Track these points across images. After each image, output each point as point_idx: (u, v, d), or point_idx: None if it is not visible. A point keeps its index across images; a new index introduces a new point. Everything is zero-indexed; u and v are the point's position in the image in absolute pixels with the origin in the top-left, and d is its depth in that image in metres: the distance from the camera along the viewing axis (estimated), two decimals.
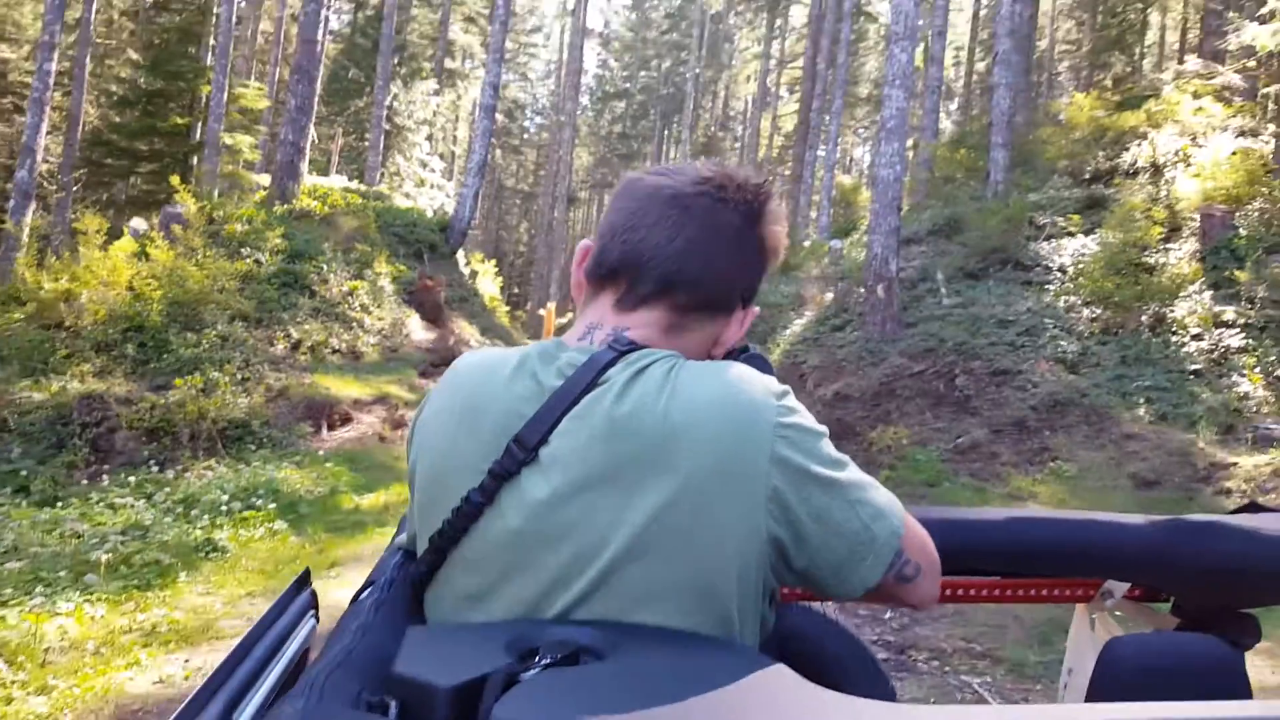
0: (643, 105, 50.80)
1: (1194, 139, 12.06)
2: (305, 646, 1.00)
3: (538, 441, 0.85)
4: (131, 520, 5.24)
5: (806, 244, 19.91)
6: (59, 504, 5.80)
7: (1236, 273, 9.01)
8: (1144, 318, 9.13)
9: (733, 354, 1.05)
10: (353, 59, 28.55)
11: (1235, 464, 6.66)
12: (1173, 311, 9.03)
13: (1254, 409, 7.58)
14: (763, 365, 1.03)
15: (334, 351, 10.40)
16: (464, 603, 0.88)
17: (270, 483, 6.26)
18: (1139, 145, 12.73)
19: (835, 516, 0.86)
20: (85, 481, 6.44)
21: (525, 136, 57.58)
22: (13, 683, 3.16)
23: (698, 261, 0.95)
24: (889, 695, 1.78)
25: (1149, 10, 22.03)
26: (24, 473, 6.38)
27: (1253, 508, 1.40)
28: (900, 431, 8.11)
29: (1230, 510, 1.39)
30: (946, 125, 32.57)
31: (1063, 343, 9.08)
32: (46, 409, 7.21)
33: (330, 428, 8.36)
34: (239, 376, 8.39)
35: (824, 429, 0.90)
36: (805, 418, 0.89)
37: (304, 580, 1.09)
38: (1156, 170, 12.17)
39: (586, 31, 46.80)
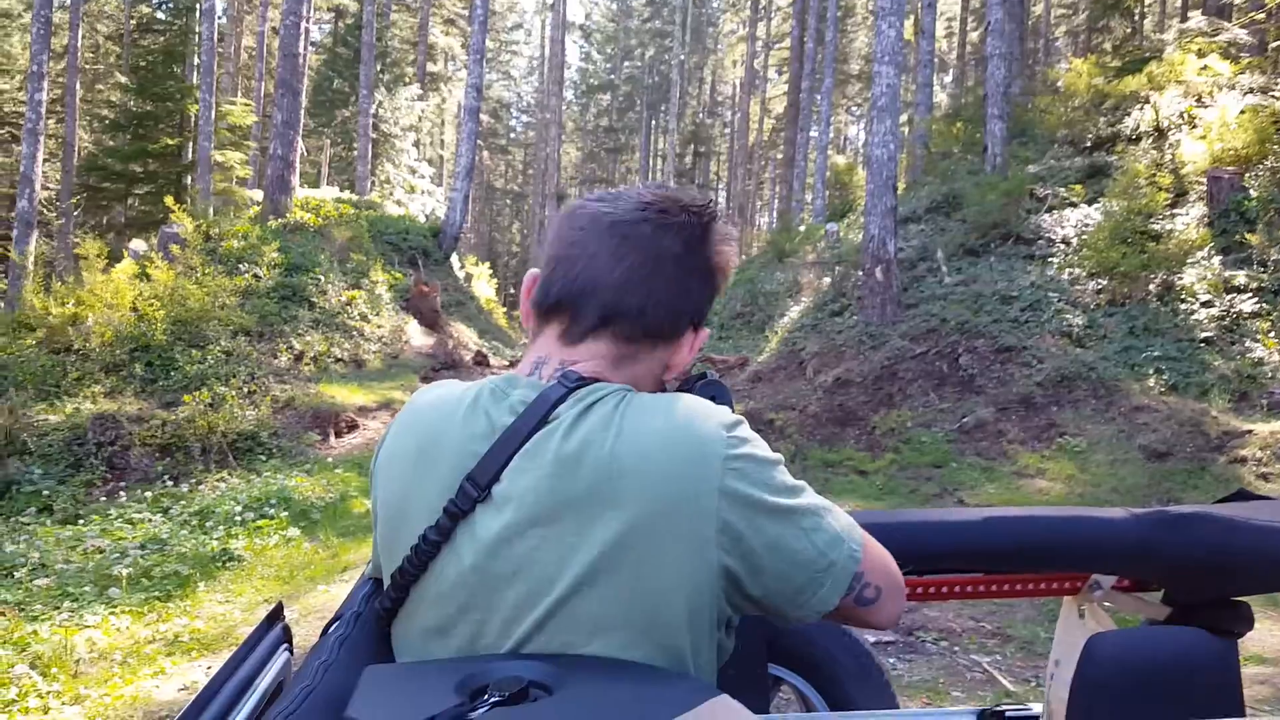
0: (628, 96, 50.67)
1: (1199, 99, 11.91)
2: (279, 680, 1.00)
3: (490, 480, 0.85)
4: (150, 534, 5.27)
5: (802, 228, 19.83)
6: (80, 521, 5.88)
7: (1248, 235, 8.89)
8: (1151, 287, 9.03)
9: (690, 381, 1.05)
10: (335, 69, 28.51)
11: (1250, 431, 6.62)
12: (1181, 279, 8.93)
13: (1269, 375, 7.51)
14: (719, 392, 1.04)
15: (337, 360, 10.43)
16: (427, 637, 0.89)
17: (281, 491, 6.28)
18: (1141, 109, 12.55)
19: (789, 545, 0.86)
20: (104, 498, 6.51)
21: (512, 136, 57.50)
22: (48, 693, 3.20)
23: (639, 291, 0.93)
24: (887, 695, 1.82)
25: None
26: (46, 493, 6.47)
27: (1240, 495, 1.40)
28: (904, 414, 8.09)
29: (1217, 499, 1.40)
30: (941, 99, 32.53)
31: (1068, 316, 9.02)
32: (63, 430, 7.29)
33: (337, 435, 8.38)
34: (245, 390, 8.42)
35: (778, 457, 0.89)
36: (757, 447, 0.88)
37: (275, 614, 1.09)
38: (1160, 134, 11.98)
39: (567, 25, 46.71)
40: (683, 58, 42.51)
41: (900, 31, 10.50)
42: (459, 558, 0.86)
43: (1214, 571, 1.28)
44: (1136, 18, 23.09)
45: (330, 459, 7.58)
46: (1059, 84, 15.18)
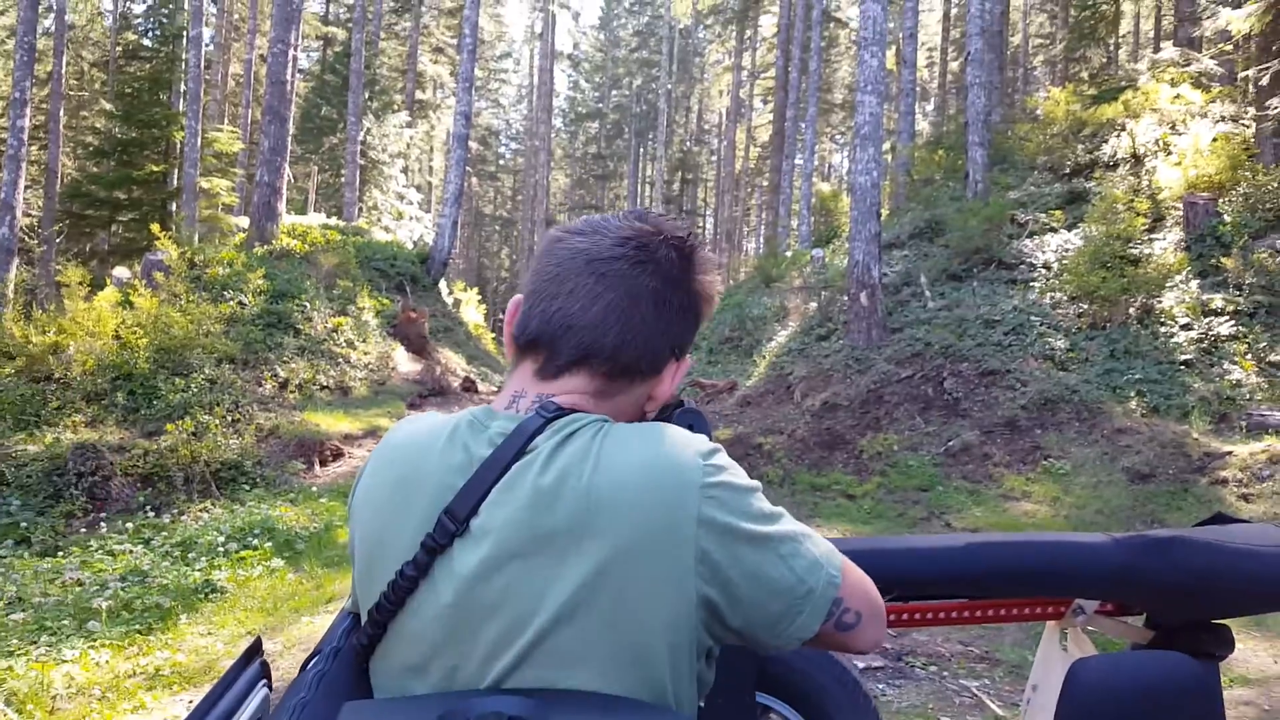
0: (616, 124, 51.06)
1: (1173, 127, 12.16)
2: (258, 717, 1.00)
3: (468, 513, 0.85)
4: (131, 566, 5.20)
5: (788, 254, 19.96)
6: (59, 553, 5.77)
7: (1223, 260, 9.06)
8: (1131, 310, 9.15)
9: (668, 409, 1.05)
10: (324, 96, 28.63)
11: (1230, 453, 6.68)
12: (1160, 302, 9.06)
13: (1247, 396, 7.61)
14: (696, 420, 1.03)
15: (322, 388, 10.38)
16: (405, 673, 0.88)
17: (265, 521, 6.22)
18: (1118, 137, 12.81)
19: (767, 572, 0.85)
20: (84, 530, 6.41)
21: (501, 163, 57.78)
22: None
23: (614, 331, 0.93)
24: None
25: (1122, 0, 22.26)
26: (24, 524, 6.34)
27: (1219, 519, 1.42)
28: (890, 438, 8.12)
29: (1197, 522, 1.42)
30: (923, 127, 32.85)
31: (1050, 340, 9.12)
32: (42, 460, 7.19)
33: (322, 464, 8.33)
34: (229, 418, 8.35)
35: (754, 484, 0.89)
36: (734, 475, 0.88)
37: (254, 650, 1.08)
38: (1137, 161, 12.24)
39: (556, 54, 47.11)
40: (670, 87, 42.90)
41: (883, 61, 10.64)
42: (436, 593, 0.85)
43: (1194, 595, 1.29)
44: (1111, 48, 23.48)
45: (315, 488, 7.53)
46: (1038, 112, 15.42)
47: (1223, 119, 11.67)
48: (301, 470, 7.98)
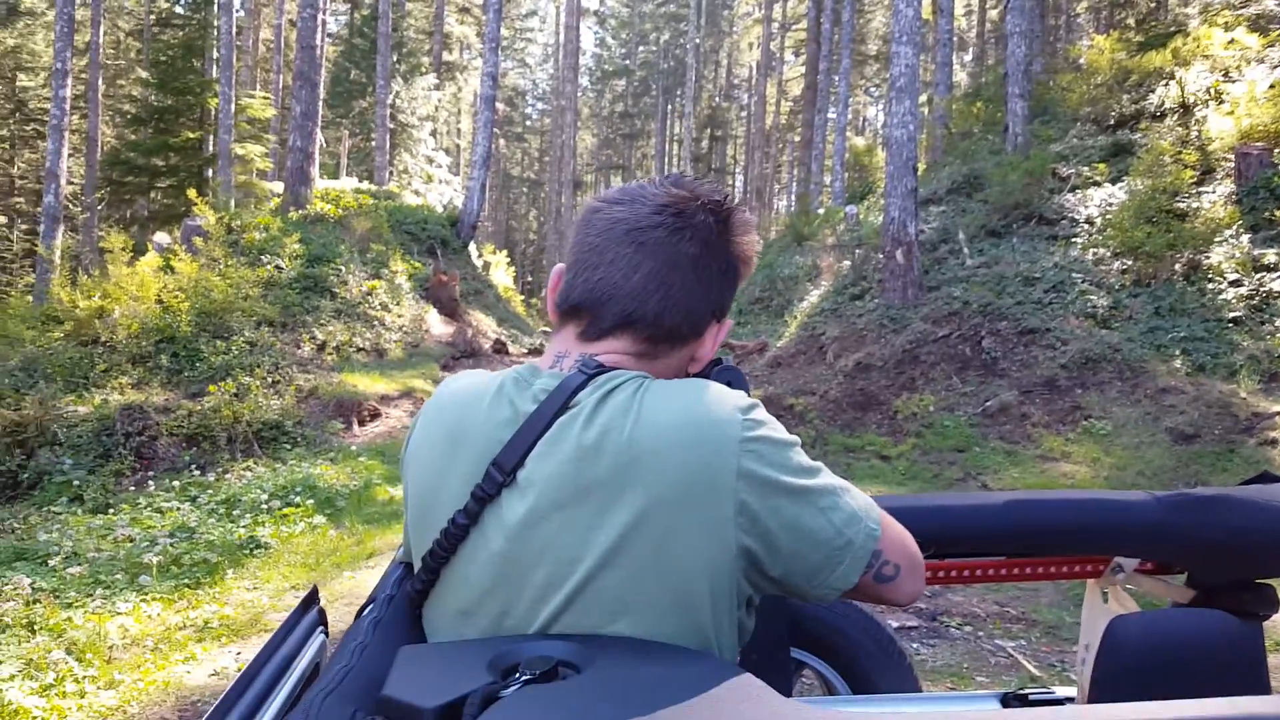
0: (644, 81, 50.51)
1: (1226, 74, 11.72)
2: (316, 662, 1.04)
3: (514, 465, 0.88)
4: (178, 522, 5.33)
5: (821, 211, 19.72)
6: (110, 510, 5.95)
7: (1277, 213, 8.77)
8: (1177, 266, 8.91)
9: (707, 367, 1.06)
10: (352, 60, 28.56)
11: (1278, 412, 6.56)
12: (1208, 258, 8.80)
13: None
14: (735, 377, 1.06)
15: (358, 350, 10.49)
16: (457, 618, 0.92)
17: (307, 479, 6.34)
18: (1166, 86, 12.34)
19: (806, 524, 0.87)
20: (133, 488, 6.58)
21: (528, 123, 57.50)
22: (84, 678, 3.25)
23: (656, 298, 0.96)
24: (910, 679, 1.84)
25: None
26: (76, 482, 6.54)
27: (1265, 478, 1.39)
28: (926, 398, 8.04)
29: (1242, 481, 1.38)
30: (961, 78, 32.10)
31: (1092, 297, 8.93)
32: (91, 421, 7.37)
33: (360, 423, 8.44)
34: (269, 380, 8.49)
35: (794, 439, 0.91)
36: (773, 429, 0.90)
37: (311, 598, 1.12)
38: (1186, 110, 11.77)
39: (582, 11, 46.54)
40: (698, 41, 42.22)
41: (918, 10, 10.39)
42: (486, 540, 0.89)
43: (1237, 554, 1.28)
44: None
45: (354, 447, 7.63)
46: (1081, 61, 14.94)
47: None
48: (340, 430, 8.10)
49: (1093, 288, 9.09)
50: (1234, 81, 11.33)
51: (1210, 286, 8.48)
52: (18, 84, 30.16)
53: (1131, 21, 20.84)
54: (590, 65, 54.88)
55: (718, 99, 50.37)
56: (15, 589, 4.00)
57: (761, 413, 0.91)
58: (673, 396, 0.90)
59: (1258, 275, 8.30)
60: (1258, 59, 11.54)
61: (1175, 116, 11.89)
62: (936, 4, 19.94)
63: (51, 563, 4.52)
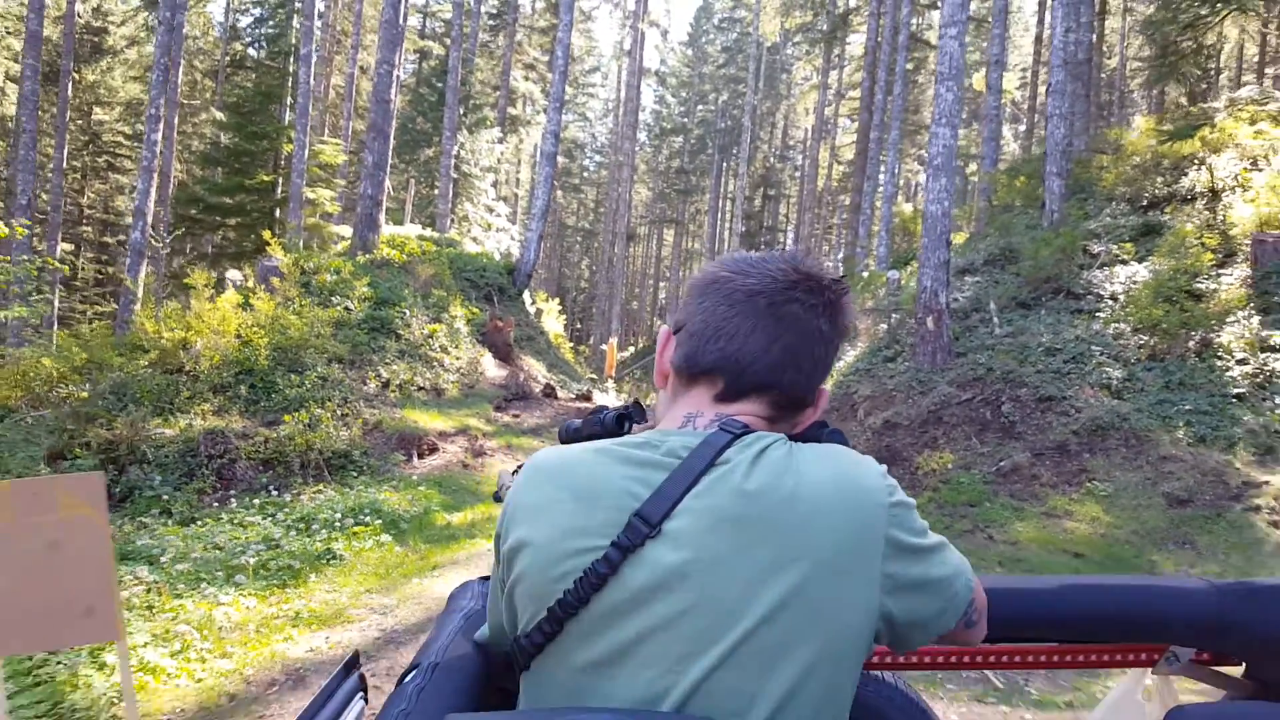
0: (700, 139, 51.79)
1: (1254, 163, 12.19)
2: None
3: (661, 517, 0.90)
4: (262, 535, 6.06)
5: (865, 274, 20.28)
6: (196, 523, 6.67)
7: None
8: (1190, 344, 9.35)
9: (813, 429, 1.11)
10: (420, 110, 30.00)
11: (1267, 482, 6.98)
12: (1219, 337, 9.25)
13: None
14: (842, 439, 1.10)
15: (419, 389, 11.31)
16: (586, 670, 0.91)
17: (373, 503, 7.07)
18: (1197, 170, 12.82)
19: (932, 577, 0.96)
20: (215, 504, 7.33)
21: (585, 175, 58.98)
22: (203, 649, 3.95)
23: (793, 368, 1.02)
24: None
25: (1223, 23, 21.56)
26: (165, 497, 7.31)
27: None
28: (945, 456, 8.57)
29: None
30: (1014, 149, 32.51)
31: (1108, 369, 9.39)
32: (177, 443, 8.18)
33: (420, 456, 9.18)
34: (339, 412, 9.29)
35: (913, 500, 0.99)
36: (905, 495, 0.98)
37: (352, 663, 1.14)
38: (1215, 196, 12.25)
39: (644, 71, 48.05)
40: (755, 103, 43.35)
41: (959, 95, 11.07)
42: (626, 590, 0.90)
43: None
44: (1210, 73, 22.86)
45: (414, 477, 8.37)
46: (1121, 143, 15.45)
47: None
48: (402, 461, 8.85)
49: (1110, 360, 9.54)
50: (1260, 170, 11.78)
51: (1219, 364, 8.90)
52: (93, 117, 32.05)
53: (1179, 102, 21.12)
54: (649, 121, 56.43)
55: (772, 159, 51.39)
56: (136, 579, 4.75)
57: (892, 478, 0.99)
58: (825, 459, 0.96)
59: (1263, 355, 8.73)
60: None
61: (1204, 201, 12.35)
62: (987, 82, 20.64)
63: (162, 560, 5.27)
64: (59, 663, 3.59)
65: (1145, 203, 13.37)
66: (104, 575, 2.34)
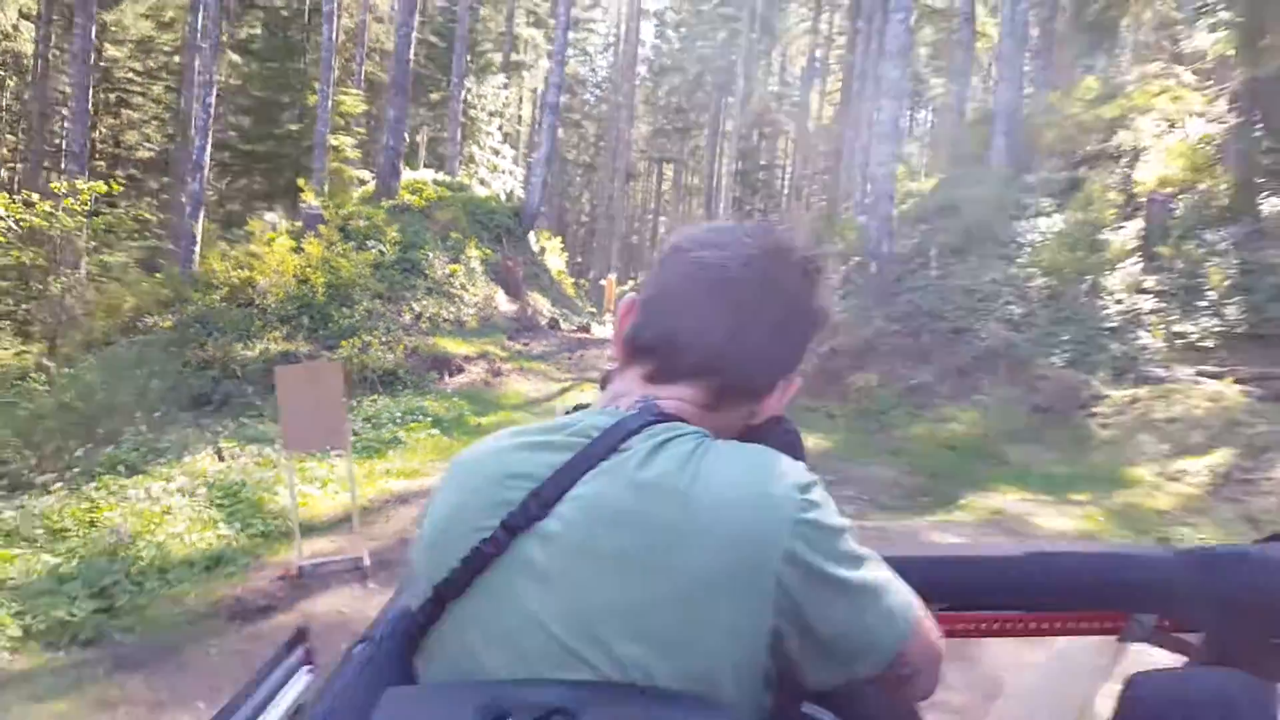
0: (698, 76, 52.76)
1: (1172, 125, 13.73)
2: (300, 702, 1.04)
3: (554, 498, 0.84)
4: None
5: (843, 219, 22.07)
6: None
7: (1161, 248, 11.18)
8: (1083, 286, 11.24)
9: (766, 425, 1.01)
10: (429, 57, 31.45)
11: (1109, 396, 9.10)
12: (1107, 281, 11.17)
13: (1148, 357, 9.79)
14: (794, 443, 1.01)
15: (445, 320, 13.44)
16: (461, 656, 0.86)
17: (420, 408, 9.25)
18: (1126, 130, 14.29)
19: (839, 617, 0.84)
20: None
21: (585, 110, 59.93)
22: (333, 489, 6.14)
23: (737, 352, 0.93)
24: None
25: None
26: (258, 402, 9.44)
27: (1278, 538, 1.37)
28: (871, 377, 10.68)
29: (1258, 539, 1.39)
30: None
31: (1013, 306, 11.34)
32: (257, 363, 10.31)
33: (450, 375, 11.32)
34: (384, 339, 11.41)
35: (845, 524, 0.86)
36: (827, 513, 0.85)
37: (299, 637, 1.13)
38: (1136, 156, 13.69)
39: (643, 12, 49.01)
40: (752, 39, 44.41)
41: (903, 73, 12.93)
42: (509, 573, 0.84)
43: (1261, 613, 1.25)
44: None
45: (448, 390, 10.55)
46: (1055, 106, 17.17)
47: (1216, 120, 13.34)
48: (436, 379, 11.02)
49: (1016, 299, 11.51)
50: (1176, 131, 13.49)
51: (1099, 303, 10.90)
52: (105, 53, 33.29)
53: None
54: (650, 57, 57.23)
55: (768, 99, 52.47)
56: (263, 457, 6.93)
57: (819, 492, 0.86)
58: (734, 461, 0.86)
59: (1135, 296, 10.68)
60: (1199, 114, 13.69)
61: (1126, 160, 14.02)
62: (961, 40, 22.29)
63: (276, 444, 7.41)
64: (251, 488, 5.78)
65: (1077, 159, 15.09)
66: (339, 412, 4.49)
